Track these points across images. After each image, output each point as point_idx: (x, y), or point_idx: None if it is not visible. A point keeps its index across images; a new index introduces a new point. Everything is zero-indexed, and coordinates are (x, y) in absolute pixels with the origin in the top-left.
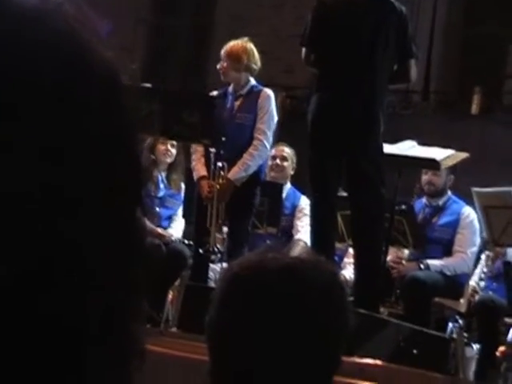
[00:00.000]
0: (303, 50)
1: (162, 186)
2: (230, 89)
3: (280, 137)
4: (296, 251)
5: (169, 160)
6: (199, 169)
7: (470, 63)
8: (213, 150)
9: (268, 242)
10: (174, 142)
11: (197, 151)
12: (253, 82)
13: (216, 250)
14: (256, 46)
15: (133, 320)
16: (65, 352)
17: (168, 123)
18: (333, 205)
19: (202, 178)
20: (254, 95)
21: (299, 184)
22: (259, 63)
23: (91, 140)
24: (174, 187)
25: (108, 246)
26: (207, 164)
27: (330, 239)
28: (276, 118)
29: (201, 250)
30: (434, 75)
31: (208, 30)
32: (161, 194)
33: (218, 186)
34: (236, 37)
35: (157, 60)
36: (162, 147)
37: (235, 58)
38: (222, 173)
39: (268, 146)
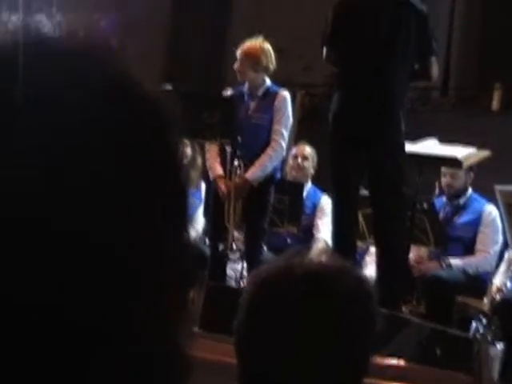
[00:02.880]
0: (324, 49)
1: None
2: (246, 88)
3: (300, 135)
4: (317, 249)
5: (185, 161)
6: (216, 167)
7: (490, 58)
8: (228, 149)
9: (289, 240)
10: (187, 142)
11: (210, 150)
12: (268, 82)
13: (234, 247)
14: (274, 44)
15: (176, 326)
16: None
17: (189, 124)
18: (354, 203)
19: (219, 176)
20: (270, 97)
21: (320, 183)
22: (275, 63)
23: (147, 171)
24: (192, 185)
25: (155, 257)
26: (223, 163)
27: (351, 238)
28: (292, 120)
29: (221, 246)
30: (453, 71)
31: (227, 28)
32: None
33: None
34: (254, 34)
35: (176, 60)
36: None
37: (253, 58)
38: (238, 172)
39: (285, 147)
